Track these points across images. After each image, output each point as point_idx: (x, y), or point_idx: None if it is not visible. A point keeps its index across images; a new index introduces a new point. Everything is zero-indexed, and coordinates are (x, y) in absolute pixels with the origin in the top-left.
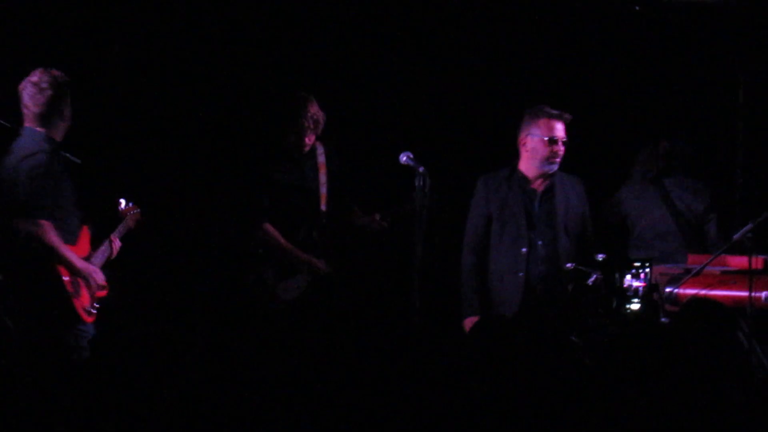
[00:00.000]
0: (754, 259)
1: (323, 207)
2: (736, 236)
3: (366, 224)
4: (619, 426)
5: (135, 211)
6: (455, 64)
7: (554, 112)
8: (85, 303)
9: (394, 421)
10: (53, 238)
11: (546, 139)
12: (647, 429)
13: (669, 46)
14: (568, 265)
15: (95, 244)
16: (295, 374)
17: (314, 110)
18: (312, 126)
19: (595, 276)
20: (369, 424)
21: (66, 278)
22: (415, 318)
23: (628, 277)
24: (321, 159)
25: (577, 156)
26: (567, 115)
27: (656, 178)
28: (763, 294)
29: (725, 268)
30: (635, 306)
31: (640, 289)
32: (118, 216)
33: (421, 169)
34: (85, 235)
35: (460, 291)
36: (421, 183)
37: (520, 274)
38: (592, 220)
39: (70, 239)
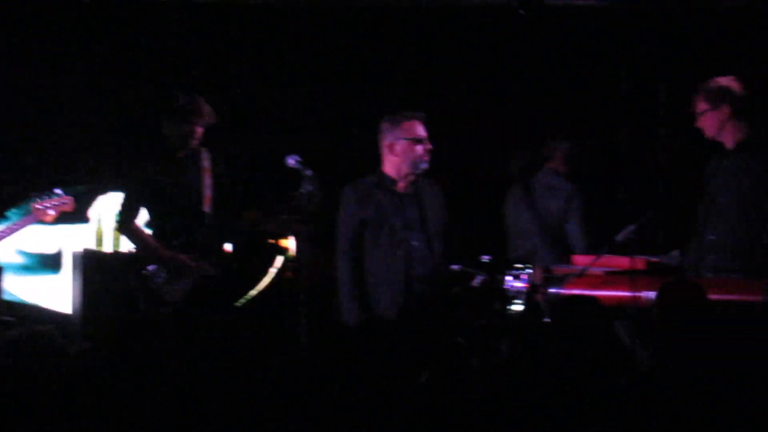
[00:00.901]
0: (636, 259)
1: (207, 208)
2: (618, 237)
3: (269, 228)
4: (505, 422)
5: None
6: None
7: (413, 113)
8: None
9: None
10: None
11: (414, 139)
12: (533, 423)
13: (552, 50)
14: (454, 266)
15: None
16: (183, 375)
17: (203, 103)
18: (204, 118)
19: (480, 278)
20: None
21: None
22: (302, 321)
23: (510, 278)
24: (206, 164)
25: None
26: (422, 114)
27: (523, 179)
28: (645, 294)
29: (609, 269)
30: (517, 306)
31: (522, 289)
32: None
33: (308, 173)
34: None
35: (339, 299)
36: (308, 186)
37: (398, 276)
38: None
39: None
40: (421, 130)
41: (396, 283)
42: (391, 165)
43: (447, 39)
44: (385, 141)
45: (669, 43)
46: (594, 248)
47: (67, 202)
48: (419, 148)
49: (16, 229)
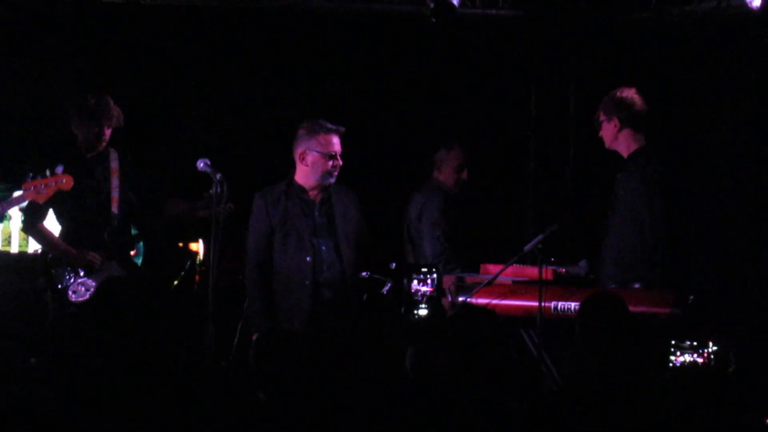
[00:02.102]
0: (543, 269)
1: (114, 209)
2: (527, 247)
3: (183, 211)
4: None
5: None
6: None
7: (331, 126)
8: None
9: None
10: None
11: (326, 154)
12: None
13: (463, 58)
14: (363, 273)
15: None
16: (90, 375)
17: (113, 104)
18: (112, 119)
19: (389, 284)
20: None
21: None
22: (210, 325)
23: (415, 282)
24: (114, 164)
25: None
26: (341, 128)
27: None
28: (553, 304)
29: (517, 278)
30: (423, 311)
31: (428, 294)
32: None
33: (218, 176)
34: None
35: (246, 305)
36: (218, 189)
37: (307, 281)
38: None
39: None
40: (335, 146)
41: (304, 288)
42: (302, 173)
43: (359, 46)
44: (298, 149)
45: (580, 54)
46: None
47: (65, 180)
48: (330, 163)
49: (5, 208)
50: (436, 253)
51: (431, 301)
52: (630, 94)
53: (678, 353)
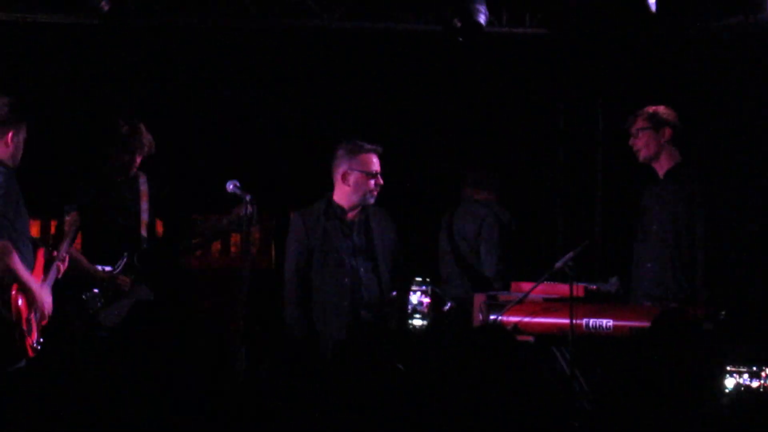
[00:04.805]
0: (575, 286)
1: (143, 233)
2: (557, 264)
3: (212, 225)
4: None
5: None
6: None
7: (371, 146)
8: (34, 338)
9: None
10: (16, 260)
11: (368, 173)
12: None
13: (491, 76)
14: (393, 293)
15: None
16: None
17: (145, 132)
18: (144, 148)
19: (450, 303)
20: None
21: (23, 315)
22: (239, 346)
23: (415, 294)
24: (143, 187)
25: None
26: (380, 149)
27: (451, 206)
28: (584, 321)
29: (548, 296)
30: (418, 321)
31: (424, 304)
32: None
33: (247, 198)
34: (39, 260)
35: (286, 321)
36: (248, 211)
37: (345, 303)
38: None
39: (28, 266)
40: (376, 165)
41: (343, 308)
42: (342, 193)
43: (385, 65)
44: (339, 169)
45: (607, 71)
46: (508, 274)
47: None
48: (371, 183)
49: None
50: (496, 271)
51: (428, 311)
52: (672, 111)
53: (732, 376)
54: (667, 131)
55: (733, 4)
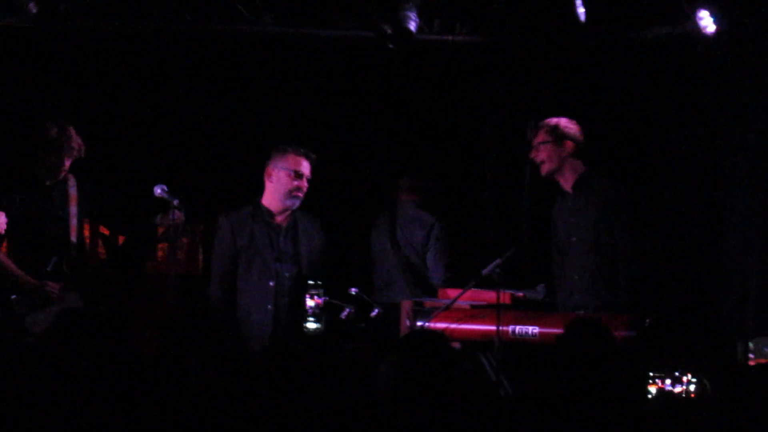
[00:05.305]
0: (501, 293)
1: (73, 238)
2: (485, 271)
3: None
4: None
5: None
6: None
7: (302, 149)
8: None
9: None
10: None
11: (291, 172)
12: None
13: (427, 84)
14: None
15: None
16: (47, 411)
17: (74, 135)
18: (73, 151)
19: (348, 310)
20: None
21: None
22: (169, 350)
23: (310, 298)
24: (72, 191)
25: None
26: (313, 155)
27: (390, 211)
28: (511, 327)
29: (475, 302)
30: (312, 324)
31: (315, 307)
32: None
33: (175, 202)
34: None
35: (206, 327)
36: (175, 215)
37: (269, 306)
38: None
39: None
40: (303, 167)
41: (266, 312)
42: (268, 194)
43: (316, 70)
44: (267, 168)
45: (538, 80)
46: (453, 281)
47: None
48: (294, 182)
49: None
50: (443, 279)
51: (320, 314)
52: (574, 123)
53: (654, 382)
54: (569, 144)
55: (660, 14)
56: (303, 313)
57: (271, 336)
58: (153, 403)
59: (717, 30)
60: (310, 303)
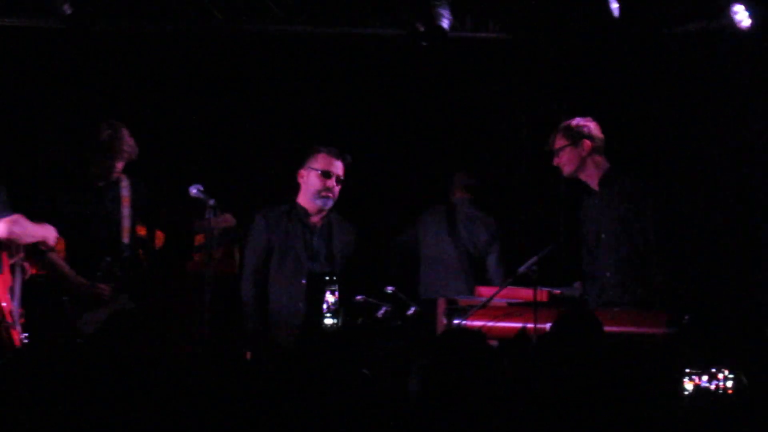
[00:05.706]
0: (538, 291)
1: (125, 239)
2: (521, 269)
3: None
4: None
5: None
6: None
7: (334, 150)
8: (19, 331)
9: None
10: None
11: (320, 172)
12: None
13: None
14: (358, 297)
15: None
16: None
17: (127, 137)
18: (126, 153)
19: (384, 308)
20: None
21: (4, 305)
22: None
23: (330, 294)
24: (125, 192)
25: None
26: (347, 156)
27: (449, 208)
28: (548, 326)
29: (511, 300)
30: (329, 320)
31: (332, 303)
32: None
33: (211, 202)
34: (5, 262)
35: (242, 323)
36: (212, 215)
37: (300, 304)
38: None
39: None
40: (335, 168)
41: (296, 311)
42: (302, 194)
43: (350, 69)
44: (301, 169)
45: (572, 77)
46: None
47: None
48: (325, 182)
49: None
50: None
51: (337, 310)
52: (590, 121)
53: (691, 379)
54: (586, 143)
55: (695, 10)
56: (320, 310)
57: (301, 334)
58: (196, 403)
59: (752, 24)
60: (329, 298)
